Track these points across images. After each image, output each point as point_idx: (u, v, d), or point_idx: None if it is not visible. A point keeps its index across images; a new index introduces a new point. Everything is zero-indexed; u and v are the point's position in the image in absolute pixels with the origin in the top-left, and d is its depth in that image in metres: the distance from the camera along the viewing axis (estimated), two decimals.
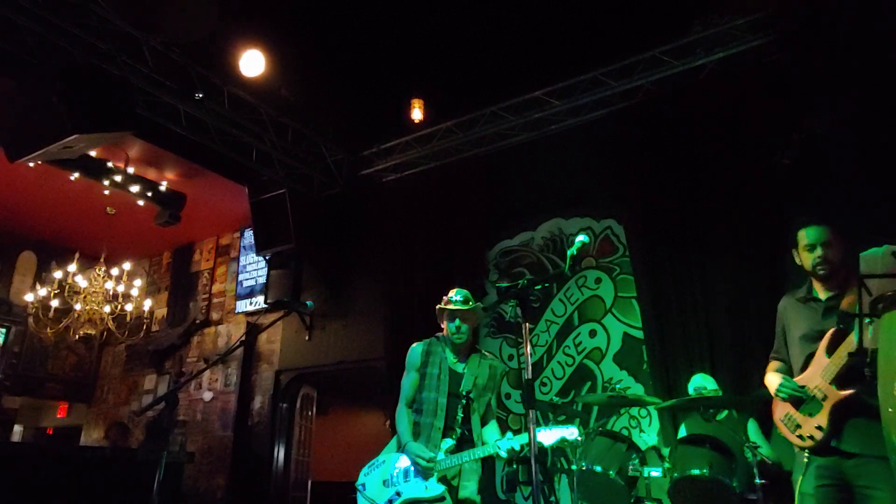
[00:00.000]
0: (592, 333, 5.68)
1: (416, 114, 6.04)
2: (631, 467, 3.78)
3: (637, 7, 4.99)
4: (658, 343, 4.97)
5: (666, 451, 4.10)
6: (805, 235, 2.79)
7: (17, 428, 10.73)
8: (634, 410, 5.23)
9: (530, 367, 2.48)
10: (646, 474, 3.81)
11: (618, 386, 5.36)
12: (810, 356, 2.68)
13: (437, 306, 3.65)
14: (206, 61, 5.55)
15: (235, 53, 5.26)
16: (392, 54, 5.49)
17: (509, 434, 3.43)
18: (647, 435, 5.11)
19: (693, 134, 5.20)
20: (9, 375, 8.93)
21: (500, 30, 5.25)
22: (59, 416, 10.55)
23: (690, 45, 5.20)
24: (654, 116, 5.44)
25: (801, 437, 2.63)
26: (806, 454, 2.65)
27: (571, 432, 3.16)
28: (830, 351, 2.57)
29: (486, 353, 3.72)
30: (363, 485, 3.53)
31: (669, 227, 5.15)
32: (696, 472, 3.34)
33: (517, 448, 3.20)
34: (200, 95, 5.69)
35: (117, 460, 5.93)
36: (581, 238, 2.68)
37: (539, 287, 2.68)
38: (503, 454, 3.20)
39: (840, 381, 2.51)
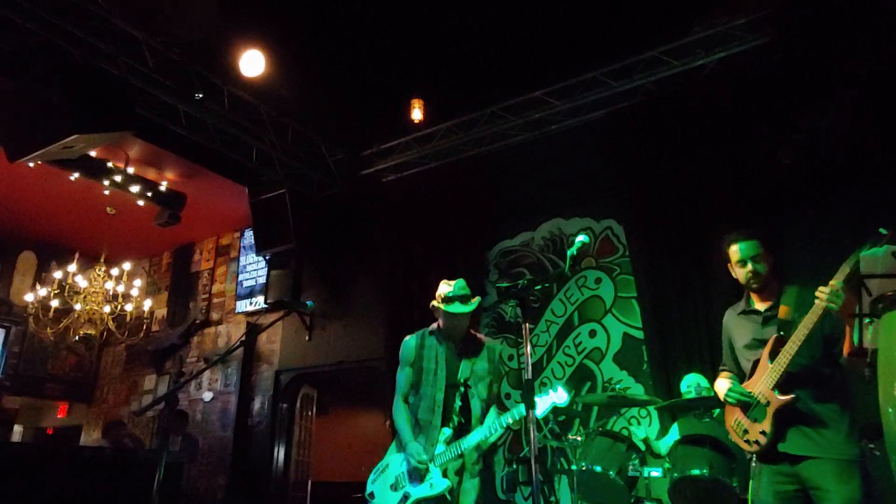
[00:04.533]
0: (592, 333, 5.68)
1: (416, 114, 6.03)
2: (631, 467, 3.78)
3: (637, 7, 4.99)
4: (658, 343, 4.98)
5: (657, 447, 4.13)
6: (737, 251, 2.85)
7: (17, 428, 10.73)
8: (634, 410, 5.23)
9: (530, 368, 2.47)
10: (646, 474, 3.81)
11: (618, 386, 5.36)
12: (756, 363, 2.74)
13: (433, 304, 3.55)
14: (206, 61, 5.54)
15: (235, 53, 5.26)
16: (392, 54, 5.49)
17: (494, 416, 3.35)
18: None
19: (693, 134, 5.20)
20: (9, 375, 8.93)
21: (501, 30, 5.24)
22: (59, 416, 10.54)
23: (690, 45, 5.20)
24: (655, 116, 5.44)
25: (748, 441, 2.66)
26: (755, 460, 2.68)
27: (561, 396, 3.14)
28: (773, 357, 2.62)
29: (481, 337, 3.63)
30: (372, 493, 3.49)
31: (669, 227, 5.15)
32: (696, 472, 3.35)
33: (506, 424, 3.23)
34: (200, 95, 5.69)
35: (117, 460, 5.92)
36: (581, 238, 2.69)
37: (539, 287, 2.67)
38: (498, 431, 3.24)
39: (781, 386, 2.56)
